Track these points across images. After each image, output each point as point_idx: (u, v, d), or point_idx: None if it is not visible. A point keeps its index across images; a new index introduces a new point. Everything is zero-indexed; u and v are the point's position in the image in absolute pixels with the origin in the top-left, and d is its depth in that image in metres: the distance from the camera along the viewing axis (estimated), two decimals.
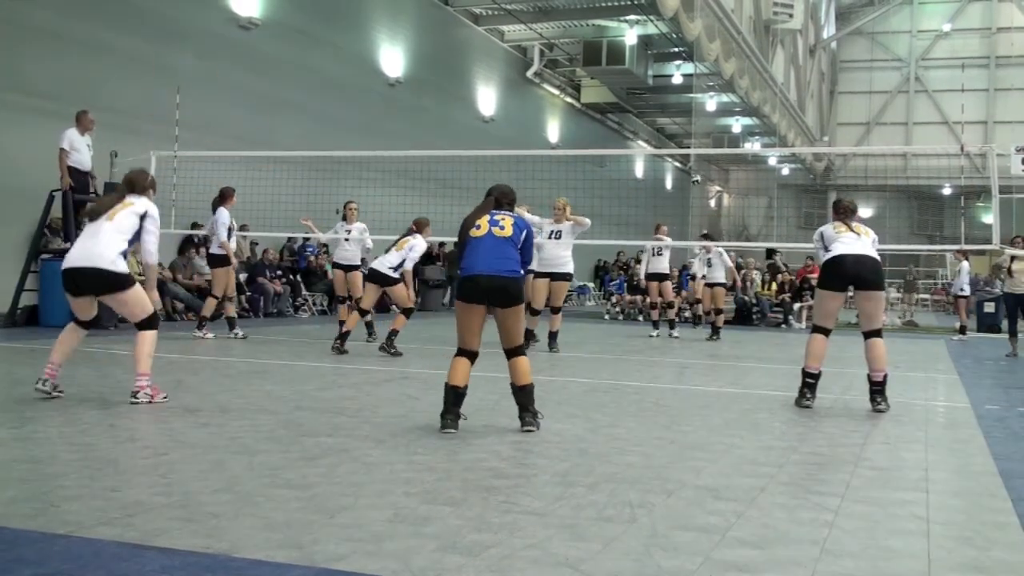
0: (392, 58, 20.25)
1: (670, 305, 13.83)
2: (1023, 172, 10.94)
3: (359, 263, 11.05)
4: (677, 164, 39.79)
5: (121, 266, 5.44)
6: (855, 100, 44.82)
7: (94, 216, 5.62)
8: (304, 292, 16.20)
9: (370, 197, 13.85)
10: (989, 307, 18.24)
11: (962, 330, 15.76)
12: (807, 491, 3.68)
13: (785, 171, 42.79)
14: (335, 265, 11.25)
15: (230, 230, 10.65)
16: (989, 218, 11.67)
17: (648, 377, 8.02)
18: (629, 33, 24.42)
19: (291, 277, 16.11)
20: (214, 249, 10.69)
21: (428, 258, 19.64)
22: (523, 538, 2.90)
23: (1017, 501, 3.60)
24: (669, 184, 38.75)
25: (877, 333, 6.13)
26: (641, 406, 6.04)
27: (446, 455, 4.17)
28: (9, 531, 2.82)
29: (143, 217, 5.61)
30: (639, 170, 34.74)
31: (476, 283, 4.91)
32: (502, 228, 5.08)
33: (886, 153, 43.26)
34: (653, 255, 13.65)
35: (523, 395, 5.00)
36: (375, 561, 2.65)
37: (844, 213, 6.38)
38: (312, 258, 16.95)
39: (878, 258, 6.14)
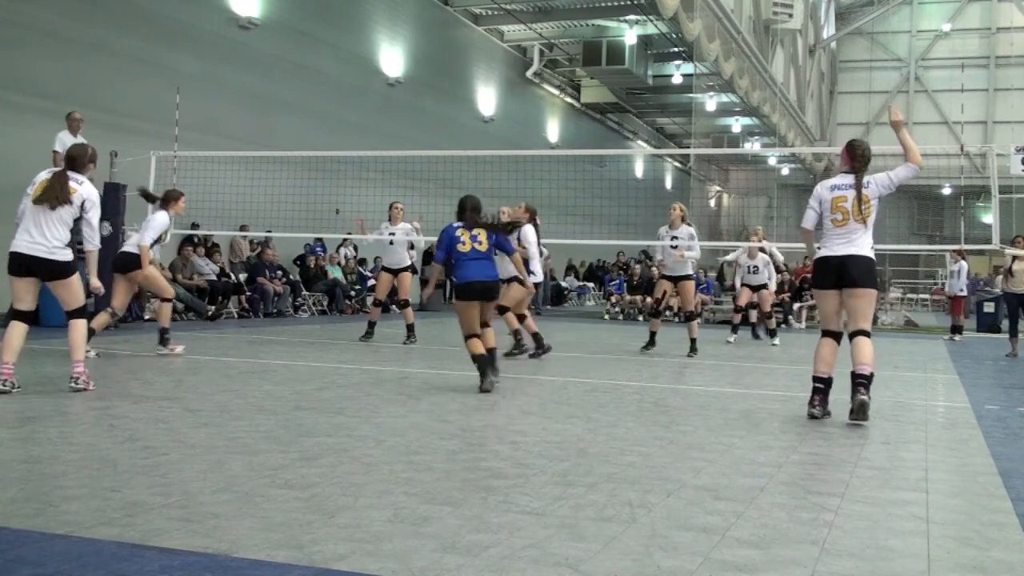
0: (392, 58, 20.26)
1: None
2: (1023, 172, 10.93)
3: (408, 265, 10.76)
4: (677, 164, 39.81)
5: (64, 255, 5.79)
6: (855, 100, 44.83)
7: (40, 202, 5.80)
8: (304, 292, 16.21)
9: (370, 197, 13.86)
10: (989, 307, 18.22)
11: (957, 330, 15.61)
12: (807, 491, 3.68)
13: (785, 171, 42.79)
14: (384, 268, 10.83)
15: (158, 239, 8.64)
16: (989, 218, 11.67)
17: (648, 377, 8.02)
18: (629, 33, 24.44)
19: (291, 277, 16.12)
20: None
21: (428, 257, 19.63)
22: (522, 538, 2.90)
23: (1016, 501, 3.60)
24: (669, 184, 38.77)
25: (865, 333, 5.66)
26: (641, 406, 6.04)
27: (445, 455, 4.17)
28: (9, 531, 2.82)
29: (83, 204, 5.84)
30: (639, 170, 34.77)
31: (471, 287, 6.68)
32: (480, 243, 6.77)
33: (886, 153, 42.77)
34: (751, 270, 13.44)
35: (492, 355, 6.73)
36: (375, 561, 2.65)
37: (861, 161, 5.77)
38: (313, 259, 16.96)
39: (868, 255, 5.64)
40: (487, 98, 24.71)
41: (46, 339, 9.46)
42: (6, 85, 11.91)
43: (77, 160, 6.01)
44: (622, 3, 23.02)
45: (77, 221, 5.88)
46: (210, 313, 13.67)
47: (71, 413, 5.04)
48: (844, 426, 5.43)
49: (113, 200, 10.92)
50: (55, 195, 5.77)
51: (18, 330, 5.79)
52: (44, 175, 5.99)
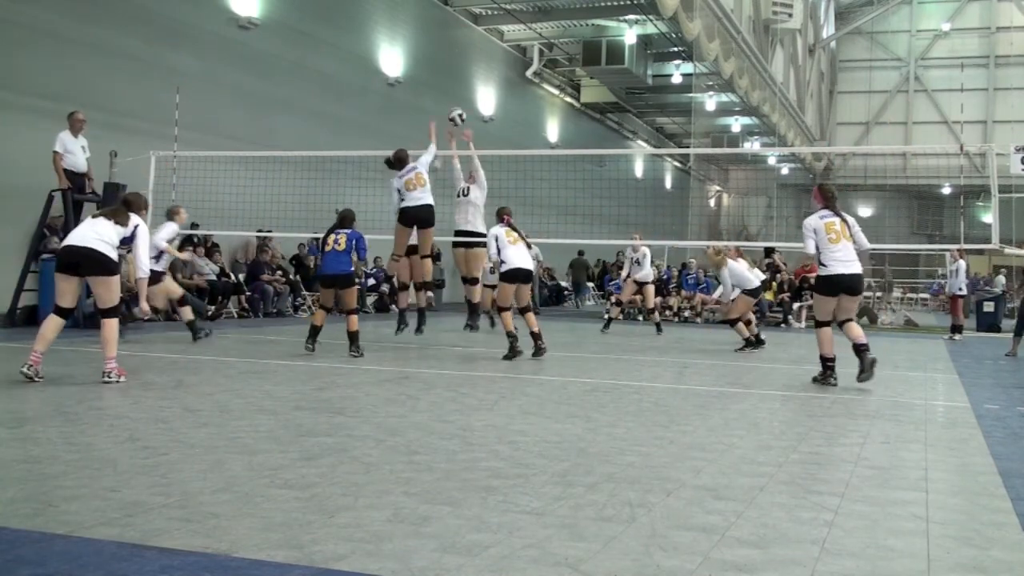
0: (391, 58, 20.25)
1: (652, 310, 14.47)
2: (1022, 172, 10.93)
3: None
4: (677, 164, 39.80)
5: (114, 254, 6.28)
6: (854, 100, 44.83)
7: (100, 214, 6.46)
8: (304, 292, 16.20)
9: (369, 197, 13.85)
10: (989, 307, 18.19)
11: (957, 329, 15.53)
12: (806, 490, 3.68)
13: (784, 171, 42.79)
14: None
15: None
16: (989, 217, 11.67)
17: (648, 377, 8.02)
18: (628, 33, 24.43)
19: (291, 277, 16.11)
20: None
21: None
22: (522, 538, 2.90)
23: (1016, 500, 3.60)
24: (668, 184, 38.76)
25: (852, 319, 7.52)
26: (641, 406, 6.04)
27: (445, 455, 4.17)
28: (8, 531, 2.82)
29: (135, 229, 6.44)
30: (639, 170, 34.76)
31: (325, 277, 9.14)
32: (339, 244, 8.96)
33: (885, 153, 43.29)
34: (636, 264, 13.85)
35: (356, 336, 8.93)
36: (375, 561, 2.65)
37: (832, 199, 7.52)
38: (312, 259, 16.94)
39: (861, 271, 7.47)
40: (487, 98, 24.70)
41: None
42: (6, 85, 11.91)
43: (133, 205, 6.62)
44: (622, 3, 22.99)
45: (125, 242, 6.40)
46: (210, 313, 13.66)
47: (71, 413, 5.04)
48: (843, 425, 5.44)
49: (112, 201, 10.92)
50: (117, 214, 6.40)
51: (54, 323, 6.35)
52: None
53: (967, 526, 3.27)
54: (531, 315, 9.29)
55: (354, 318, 9.02)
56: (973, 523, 3.30)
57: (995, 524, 3.28)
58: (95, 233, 6.23)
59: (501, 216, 9.52)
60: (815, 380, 7.50)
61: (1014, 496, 3.67)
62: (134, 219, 6.47)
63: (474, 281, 10.68)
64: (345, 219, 9.28)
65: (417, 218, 9.80)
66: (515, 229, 9.36)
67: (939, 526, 3.23)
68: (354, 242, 9.06)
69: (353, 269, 9.14)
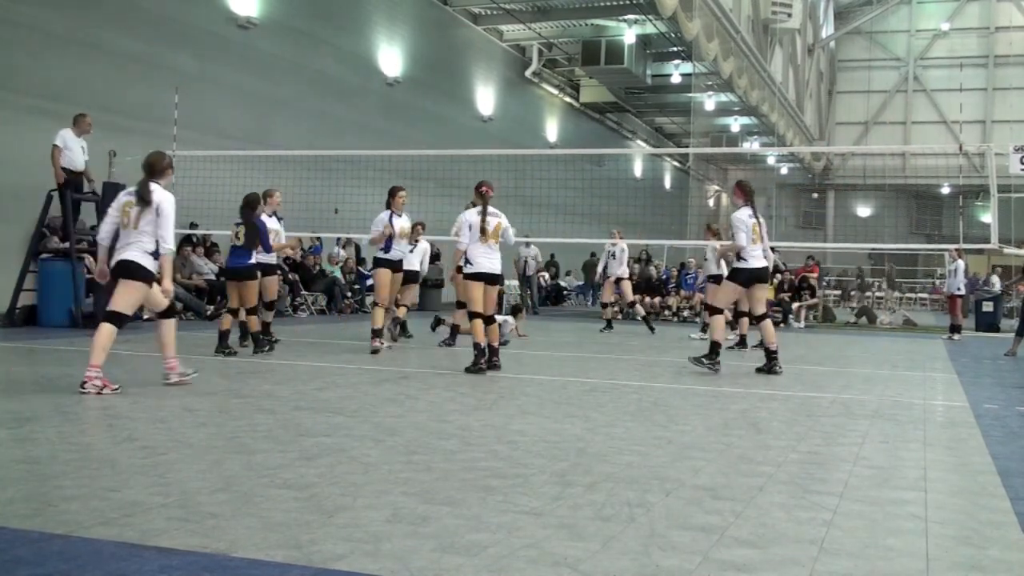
0: (391, 58, 20.26)
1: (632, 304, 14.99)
2: (1021, 171, 10.94)
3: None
4: (676, 164, 39.80)
5: (135, 255, 5.97)
6: (853, 99, 44.83)
7: (142, 205, 6.03)
8: (303, 292, 16.19)
9: (368, 196, 13.86)
10: (987, 306, 18.19)
11: (956, 329, 15.51)
12: (805, 490, 3.69)
13: (784, 170, 42.79)
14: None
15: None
16: (987, 217, 11.68)
17: (647, 377, 8.02)
18: (628, 33, 24.44)
19: (289, 276, 16.09)
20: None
21: (435, 259, 19.59)
22: (521, 538, 2.90)
23: (1015, 500, 3.60)
24: (668, 183, 38.77)
25: (764, 317, 8.53)
26: (640, 405, 6.04)
27: (444, 455, 4.17)
28: (7, 531, 2.82)
29: (159, 207, 6.01)
30: (637, 169, 34.76)
31: (226, 272, 9.23)
32: (238, 239, 8.82)
33: (884, 152, 43.29)
34: (612, 258, 13.89)
35: (254, 334, 8.98)
36: (374, 561, 2.65)
37: (752, 196, 8.53)
38: (312, 258, 16.94)
39: (770, 265, 8.88)
40: (486, 98, 24.70)
41: (45, 339, 9.48)
42: (6, 85, 11.90)
43: (155, 167, 6.22)
44: (621, 2, 23.01)
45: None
46: (209, 313, 13.66)
47: (70, 413, 5.04)
48: (842, 425, 5.44)
49: (111, 200, 10.91)
50: (142, 199, 6.03)
51: (107, 331, 5.96)
52: (124, 197, 6.26)
53: (966, 525, 3.27)
54: (494, 328, 8.00)
55: (253, 318, 8.88)
56: (972, 522, 3.31)
57: (994, 523, 3.28)
58: (133, 242, 5.98)
59: (479, 190, 8.01)
60: (712, 368, 8.28)
61: (1012, 495, 3.67)
62: (155, 196, 6.01)
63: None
64: (248, 205, 8.92)
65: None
66: (487, 214, 7.91)
67: (938, 525, 3.23)
68: (255, 233, 8.79)
69: (253, 262, 8.77)
